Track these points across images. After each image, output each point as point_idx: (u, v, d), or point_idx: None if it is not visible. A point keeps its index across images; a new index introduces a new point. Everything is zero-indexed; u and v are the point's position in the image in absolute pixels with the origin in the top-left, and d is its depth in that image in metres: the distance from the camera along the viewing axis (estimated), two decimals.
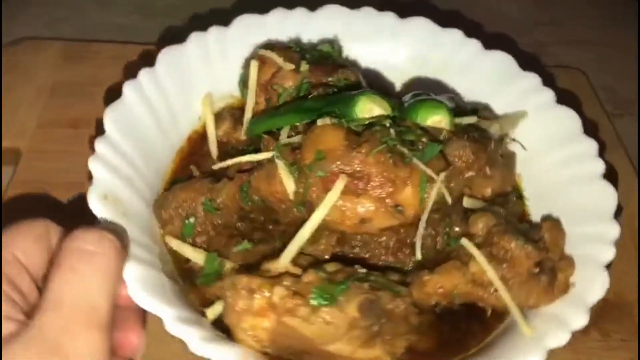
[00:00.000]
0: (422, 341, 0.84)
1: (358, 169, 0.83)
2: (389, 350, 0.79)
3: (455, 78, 1.16)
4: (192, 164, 1.04)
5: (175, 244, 0.91)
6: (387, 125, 0.88)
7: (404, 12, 1.19)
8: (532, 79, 1.10)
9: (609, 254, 0.88)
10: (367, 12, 1.18)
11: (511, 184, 0.99)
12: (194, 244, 0.92)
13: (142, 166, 0.95)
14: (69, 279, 0.66)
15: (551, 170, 1.02)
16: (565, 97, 1.30)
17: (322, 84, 1.00)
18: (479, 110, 1.03)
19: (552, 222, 0.91)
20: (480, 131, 0.96)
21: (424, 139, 0.88)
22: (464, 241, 0.85)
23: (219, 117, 1.08)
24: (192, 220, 0.92)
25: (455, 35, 1.16)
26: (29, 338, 0.63)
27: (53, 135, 1.19)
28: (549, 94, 1.07)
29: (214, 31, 1.11)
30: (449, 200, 0.88)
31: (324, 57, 1.07)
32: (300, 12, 1.17)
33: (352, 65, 1.13)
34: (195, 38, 1.09)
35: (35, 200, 1.08)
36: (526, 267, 0.84)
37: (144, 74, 1.01)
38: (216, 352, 0.73)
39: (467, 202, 0.91)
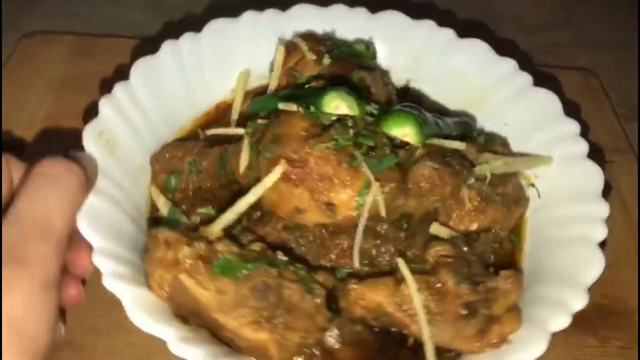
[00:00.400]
0: (341, 350, 0.80)
1: (303, 159, 0.84)
2: (277, 339, 0.77)
3: (432, 68, 1.16)
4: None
5: (154, 192, 0.96)
6: (349, 124, 0.87)
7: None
8: (508, 64, 1.09)
9: (601, 232, 0.88)
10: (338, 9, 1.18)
11: (505, 227, 0.95)
12: (172, 198, 0.95)
13: (155, 119, 1.01)
14: (31, 199, 0.73)
15: (534, 152, 1.02)
16: (575, 98, 1.32)
17: (337, 78, 1.01)
18: (487, 141, 1.01)
19: (512, 273, 0.84)
20: (463, 160, 0.93)
21: (386, 149, 0.87)
22: (399, 261, 0.82)
23: (248, 93, 1.12)
24: (175, 176, 0.96)
25: (427, 25, 1.15)
26: None
27: (60, 128, 1.21)
28: (526, 78, 1.07)
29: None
30: (383, 212, 0.85)
31: (353, 55, 1.08)
32: (271, 13, 1.17)
33: (381, 69, 1.13)
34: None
35: None
36: (454, 306, 0.80)
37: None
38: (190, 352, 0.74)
39: (433, 228, 0.88)
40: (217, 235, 0.81)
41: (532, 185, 1.01)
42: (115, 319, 0.77)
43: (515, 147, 1.06)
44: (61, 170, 0.76)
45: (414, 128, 0.89)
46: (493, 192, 0.93)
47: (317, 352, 0.80)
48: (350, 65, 1.03)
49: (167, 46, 1.07)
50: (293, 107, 0.89)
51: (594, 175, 0.94)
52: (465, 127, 1.03)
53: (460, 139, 0.95)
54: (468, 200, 0.90)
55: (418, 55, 1.16)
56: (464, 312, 0.79)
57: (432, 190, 0.88)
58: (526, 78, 1.07)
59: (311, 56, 1.05)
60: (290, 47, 1.08)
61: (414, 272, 0.82)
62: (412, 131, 0.89)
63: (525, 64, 1.11)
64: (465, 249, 0.86)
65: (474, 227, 0.91)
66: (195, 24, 1.14)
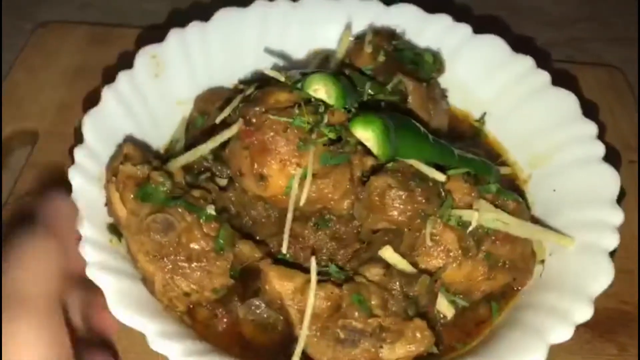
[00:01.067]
0: (247, 325, 0.84)
1: (258, 125, 0.84)
2: (165, 278, 0.80)
3: (447, 64, 1.12)
4: None
5: None
6: (320, 110, 0.85)
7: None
8: (526, 62, 1.06)
9: (613, 240, 0.84)
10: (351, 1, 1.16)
11: (481, 290, 0.89)
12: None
13: (154, 106, 1.04)
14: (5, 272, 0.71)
15: (550, 153, 0.99)
16: (600, 95, 1.28)
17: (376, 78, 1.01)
18: (499, 192, 0.90)
19: (424, 328, 0.78)
20: (436, 194, 0.86)
21: (349, 148, 0.85)
22: (312, 261, 0.80)
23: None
24: (202, 117, 1.05)
25: (444, 20, 1.12)
26: None
27: (72, 117, 1.19)
28: (544, 76, 1.04)
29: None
30: (300, 202, 0.83)
31: (413, 62, 1.04)
32: (282, 3, 1.15)
33: (438, 85, 1.09)
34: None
35: (48, 180, 1.09)
36: (336, 325, 0.77)
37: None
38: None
39: (382, 251, 0.83)
40: (175, 170, 0.87)
41: (542, 261, 0.92)
42: None
43: (530, 148, 1.02)
44: (22, 243, 0.74)
45: (377, 136, 0.83)
46: (476, 245, 0.85)
47: (220, 315, 0.86)
48: (402, 69, 1.01)
49: (174, 34, 1.06)
50: (281, 77, 0.88)
51: (610, 180, 0.90)
52: (479, 167, 0.92)
53: (469, 176, 0.89)
54: (429, 237, 0.83)
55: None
56: (342, 335, 0.76)
57: (383, 208, 0.83)
58: (543, 77, 1.04)
59: (368, 48, 1.04)
60: (356, 37, 1.10)
61: (331, 280, 0.80)
62: (374, 138, 0.83)
63: (547, 60, 1.08)
64: (397, 283, 0.80)
65: (432, 265, 0.84)
66: (210, 14, 1.12)
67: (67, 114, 1.20)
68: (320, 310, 0.78)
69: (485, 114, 1.10)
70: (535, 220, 0.94)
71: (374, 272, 0.81)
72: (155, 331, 0.74)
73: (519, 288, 0.90)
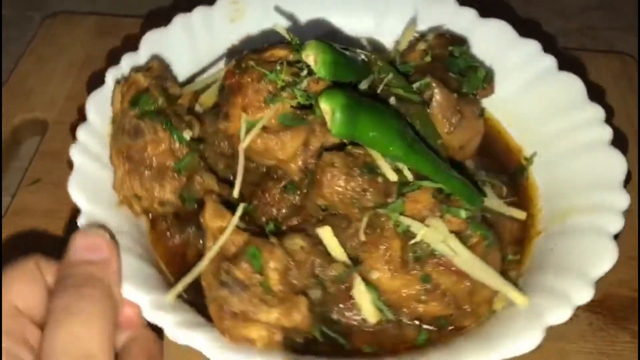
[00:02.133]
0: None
1: (243, 70, 0.88)
2: (125, 177, 0.89)
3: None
4: None
5: None
6: (302, 74, 0.86)
7: None
8: (532, 46, 1.04)
9: (618, 224, 0.83)
10: None
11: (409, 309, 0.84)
12: None
13: None
14: (58, 335, 0.66)
15: (556, 137, 0.97)
16: (612, 83, 1.26)
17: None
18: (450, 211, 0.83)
19: (302, 302, 0.79)
20: (378, 187, 0.83)
21: (311, 116, 0.86)
22: (241, 206, 0.82)
23: None
24: None
25: (449, 4, 1.11)
26: None
27: (81, 107, 1.19)
28: (550, 61, 1.02)
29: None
30: (241, 150, 0.86)
31: (461, 72, 0.98)
32: None
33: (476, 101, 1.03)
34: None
35: (57, 171, 1.09)
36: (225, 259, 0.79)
37: None
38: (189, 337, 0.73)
39: (319, 229, 0.83)
40: (185, 93, 0.98)
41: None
42: None
43: (537, 130, 1.01)
44: (80, 297, 0.70)
45: (335, 112, 0.80)
46: (416, 262, 0.81)
47: (173, 232, 0.92)
48: (444, 75, 0.95)
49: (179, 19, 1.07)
50: (287, 36, 0.92)
51: (616, 164, 0.89)
52: (461, 190, 0.84)
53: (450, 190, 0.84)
54: (363, 233, 0.81)
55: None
56: (223, 278, 0.77)
57: (321, 184, 0.83)
58: (550, 61, 1.02)
59: (421, 46, 1.01)
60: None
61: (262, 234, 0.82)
62: (331, 113, 0.81)
63: (554, 45, 1.06)
64: (312, 261, 0.80)
65: (368, 270, 0.82)
66: None
67: (75, 104, 1.20)
68: (226, 252, 0.79)
69: (535, 153, 1.01)
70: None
71: (295, 242, 0.81)
72: (150, 302, 0.76)
73: (454, 328, 0.83)
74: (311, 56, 0.86)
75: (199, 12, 1.08)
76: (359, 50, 0.96)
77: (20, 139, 1.21)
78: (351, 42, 1.13)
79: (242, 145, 0.86)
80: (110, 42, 1.31)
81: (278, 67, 0.86)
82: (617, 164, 0.89)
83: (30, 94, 1.23)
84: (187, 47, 1.08)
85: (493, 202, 0.89)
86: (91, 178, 0.88)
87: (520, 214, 0.92)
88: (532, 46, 1.04)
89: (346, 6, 1.16)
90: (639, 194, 1.09)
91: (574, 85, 0.99)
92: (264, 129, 0.86)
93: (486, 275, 0.80)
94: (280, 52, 0.90)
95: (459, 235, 0.80)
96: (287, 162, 0.88)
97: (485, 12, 1.10)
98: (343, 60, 0.88)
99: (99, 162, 0.91)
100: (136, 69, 0.98)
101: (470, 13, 1.09)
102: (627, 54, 1.36)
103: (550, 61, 1.02)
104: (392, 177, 0.82)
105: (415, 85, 0.92)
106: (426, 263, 0.80)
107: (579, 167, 0.93)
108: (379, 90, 0.90)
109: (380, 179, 0.83)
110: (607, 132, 0.92)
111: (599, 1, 1.60)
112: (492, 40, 1.07)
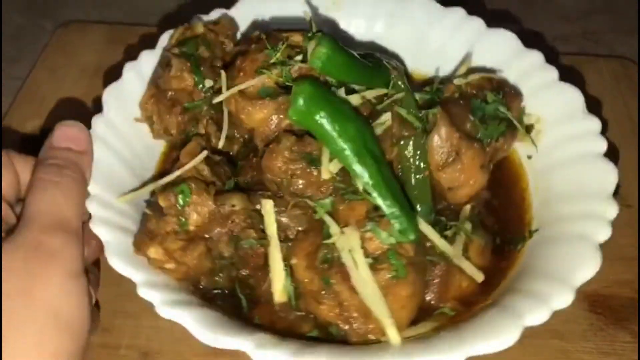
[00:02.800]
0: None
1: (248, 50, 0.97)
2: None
3: (457, 56, 1.14)
4: None
5: None
6: (293, 61, 0.92)
7: None
8: (535, 57, 1.07)
9: (605, 233, 0.85)
10: None
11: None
12: None
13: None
14: (42, 200, 0.79)
15: (552, 147, 0.99)
16: (613, 87, 1.28)
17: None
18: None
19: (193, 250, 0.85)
20: (308, 176, 0.87)
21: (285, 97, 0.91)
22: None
23: None
24: None
25: (457, 13, 1.13)
26: (13, 242, 0.75)
27: (91, 115, 1.22)
28: (552, 72, 1.05)
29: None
30: (216, 99, 0.95)
31: (482, 118, 0.96)
32: None
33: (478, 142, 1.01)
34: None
35: None
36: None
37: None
38: (179, 316, 0.77)
39: (264, 202, 0.87)
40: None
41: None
42: (142, 302, 0.79)
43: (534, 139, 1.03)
44: (61, 175, 0.83)
45: (299, 98, 0.85)
46: (324, 261, 0.82)
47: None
48: (462, 115, 0.94)
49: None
50: (308, 20, 0.99)
51: (608, 175, 0.91)
52: (393, 211, 0.83)
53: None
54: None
55: (444, 44, 1.15)
56: (152, 199, 0.90)
57: (264, 157, 0.90)
58: (552, 73, 1.05)
59: (458, 81, 0.99)
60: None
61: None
62: (295, 97, 0.85)
63: (556, 53, 1.08)
64: (237, 221, 0.86)
65: (291, 255, 0.86)
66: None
67: (86, 112, 1.23)
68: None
69: (537, 230, 0.96)
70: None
71: (231, 199, 0.87)
72: (142, 280, 0.80)
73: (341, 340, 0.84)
74: (312, 46, 0.90)
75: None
76: (385, 61, 0.98)
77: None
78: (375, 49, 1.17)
79: (219, 98, 0.95)
80: (120, 50, 1.35)
81: (280, 46, 0.94)
82: (608, 175, 0.91)
83: (43, 101, 1.26)
84: None
85: (452, 251, 0.87)
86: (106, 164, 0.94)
87: (478, 275, 0.89)
88: (535, 57, 1.07)
89: (354, 10, 1.19)
90: (639, 193, 1.11)
91: (573, 97, 1.01)
92: (242, 94, 0.93)
93: (372, 301, 0.79)
94: (296, 37, 0.96)
95: (374, 256, 0.81)
96: (254, 129, 0.94)
97: (491, 17, 1.13)
98: (343, 61, 0.91)
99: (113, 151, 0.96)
100: (208, 21, 1.10)
101: (477, 22, 1.11)
102: (627, 58, 1.38)
103: (552, 73, 1.04)
104: (324, 174, 0.86)
105: (424, 112, 0.92)
106: (332, 267, 0.82)
107: (573, 176, 0.94)
108: (383, 105, 0.92)
109: (315, 173, 0.87)
110: (602, 145, 0.94)
111: (602, 5, 1.61)
112: (497, 50, 1.10)
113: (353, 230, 0.81)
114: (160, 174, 0.93)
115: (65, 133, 0.88)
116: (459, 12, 1.13)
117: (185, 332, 0.76)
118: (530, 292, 0.81)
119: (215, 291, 0.89)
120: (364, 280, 0.79)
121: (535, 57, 1.06)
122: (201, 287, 0.88)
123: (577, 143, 0.95)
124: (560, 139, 0.98)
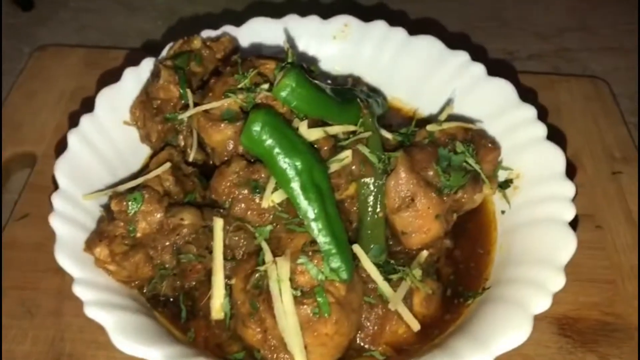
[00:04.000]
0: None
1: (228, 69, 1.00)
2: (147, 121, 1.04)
3: (387, 67, 1.18)
4: None
5: None
6: (262, 87, 0.94)
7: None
8: (461, 56, 1.11)
9: (570, 212, 0.89)
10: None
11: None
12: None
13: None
14: None
15: (523, 206, 0.99)
16: (585, 107, 1.31)
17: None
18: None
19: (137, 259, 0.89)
20: (250, 204, 0.90)
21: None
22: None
23: None
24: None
25: (460, 58, 1.13)
26: None
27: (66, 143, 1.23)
28: (479, 68, 1.09)
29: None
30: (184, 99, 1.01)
31: (446, 169, 0.95)
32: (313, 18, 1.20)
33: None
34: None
35: (45, 205, 1.11)
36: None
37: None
38: None
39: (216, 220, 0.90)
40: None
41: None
42: None
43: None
44: None
45: (252, 125, 0.87)
46: (255, 287, 0.84)
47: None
48: (427, 159, 0.94)
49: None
50: (290, 53, 1.00)
51: (556, 157, 0.96)
52: (329, 249, 0.84)
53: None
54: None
55: (441, 87, 1.15)
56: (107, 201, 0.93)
57: (214, 178, 0.93)
58: (479, 68, 1.09)
59: (431, 127, 0.99)
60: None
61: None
62: (250, 122, 0.88)
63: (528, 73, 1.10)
64: (180, 243, 0.89)
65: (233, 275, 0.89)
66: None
67: (63, 136, 1.23)
68: None
69: (489, 288, 0.95)
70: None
71: (182, 213, 0.89)
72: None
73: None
74: (279, 77, 0.92)
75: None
76: (363, 98, 1.00)
77: (10, 172, 1.24)
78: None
79: (184, 115, 0.99)
80: (97, 74, 1.35)
81: (249, 73, 0.96)
82: (557, 157, 0.96)
83: (19, 127, 1.26)
84: None
85: (393, 296, 0.87)
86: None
87: (414, 324, 0.88)
88: (461, 57, 1.11)
89: (360, 40, 1.21)
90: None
91: (504, 88, 1.06)
92: (207, 113, 0.96)
93: (288, 333, 0.80)
94: (271, 65, 0.98)
95: (303, 289, 0.81)
96: (214, 148, 0.96)
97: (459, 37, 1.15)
98: (308, 95, 0.92)
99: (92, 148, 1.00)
100: (209, 37, 1.14)
101: (400, 32, 1.15)
102: (599, 77, 1.40)
103: (479, 68, 1.09)
104: (264, 203, 0.88)
105: (386, 154, 0.93)
106: (261, 293, 0.83)
107: (524, 163, 0.99)
108: (347, 142, 0.93)
109: (258, 200, 0.89)
110: (542, 129, 1.00)
111: (577, 23, 1.63)
112: (423, 55, 1.15)
113: (285, 261, 0.82)
114: (134, 178, 0.96)
115: None
116: (462, 57, 1.13)
117: None
118: (524, 281, 0.85)
119: (162, 298, 0.92)
120: (285, 311, 0.80)
121: (528, 112, 1.04)
122: (145, 292, 0.91)
123: (547, 206, 0.95)
124: (533, 199, 0.98)
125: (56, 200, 0.89)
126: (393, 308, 0.86)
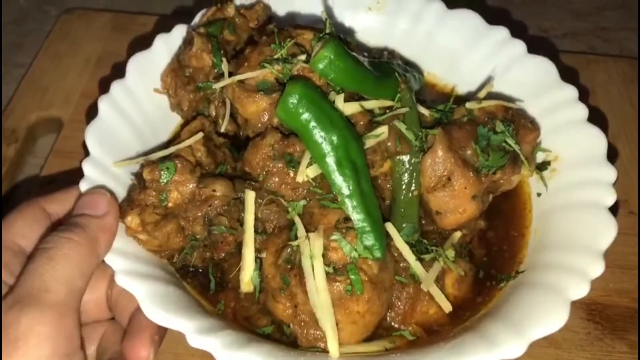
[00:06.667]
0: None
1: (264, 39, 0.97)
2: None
3: (423, 41, 1.15)
4: None
5: None
6: (297, 59, 0.91)
7: None
8: (501, 32, 1.07)
9: (610, 197, 0.87)
10: None
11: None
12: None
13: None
14: (26, 277, 0.73)
15: (561, 190, 0.95)
16: (621, 87, 1.28)
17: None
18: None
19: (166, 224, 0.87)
20: (283, 176, 0.88)
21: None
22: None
23: None
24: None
25: (500, 34, 1.09)
26: None
27: (95, 108, 1.22)
28: (520, 45, 1.05)
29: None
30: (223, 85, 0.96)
31: (485, 148, 0.91)
32: None
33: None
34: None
35: (70, 172, 1.12)
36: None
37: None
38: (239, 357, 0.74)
39: (248, 192, 0.88)
40: None
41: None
42: None
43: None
44: (55, 242, 0.76)
45: (290, 95, 0.85)
46: (289, 265, 0.82)
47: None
48: (463, 139, 0.90)
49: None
50: (327, 24, 0.96)
51: (597, 139, 0.93)
52: (363, 226, 0.83)
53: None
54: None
55: (479, 64, 1.11)
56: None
57: (248, 149, 0.91)
58: (520, 45, 1.05)
59: (471, 105, 0.94)
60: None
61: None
62: (288, 93, 0.86)
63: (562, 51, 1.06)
64: (212, 214, 0.88)
65: (263, 249, 0.88)
66: None
67: (89, 102, 1.22)
68: None
69: (523, 271, 0.92)
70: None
71: (214, 186, 0.87)
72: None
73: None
74: (316, 48, 0.90)
75: None
76: (401, 72, 0.97)
77: (36, 136, 1.24)
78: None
79: (218, 85, 0.96)
80: (124, 39, 1.34)
81: (286, 43, 0.93)
82: (598, 140, 0.93)
83: (46, 91, 1.26)
84: None
85: (425, 276, 0.85)
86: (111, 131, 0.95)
87: (446, 305, 0.86)
88: (502, 32, 1.07)
89: (398, 11, 1.17)
90: (639, 201, 1.11)
91: (545, 67, 1.02)
92: (242, 84, 0.93)
93: (320, 310, 0.79)
94: (309, 36, 0.95)
95: (335, 266, 0.80)
96: (247, 119, 0.94)
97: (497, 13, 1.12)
98: (345, 67, 0.89)
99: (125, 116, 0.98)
100: (242, 5, 1.11)
101: (519, 46, 1.07)
102: (636, 58, 1.36)
103: (520, 46, 1.06)
104: (299, 177, 0.86)
105: (424, 131, 0.90)
106: (292, 268, 0.82)
107: (563, 146, 0.96)
108: (383, 117, 0.91)
109: (292, 174, 0.87)
110: (584, 110, 0.96)
111: (616, 1, 1.58)
112: (462, 30, 1.11)
113: (318, 237, 0.80)
114: (164, 147, 0.94)
115: (83, 201, 0.83)
116: (502, 33, 1.09)
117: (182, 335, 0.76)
118: (563, 266, 0.82)
119: (191, 269, 0.91)
120: (317, 288, 0.79)
121: (569, 92, 1.00)
122: (175, 262, 0.90)
123: (586, 191, 0.91)
124: (571, 183, 0.94)
125: (87, 166, 0.88)
126: (425, 288, 0.85)
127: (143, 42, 1.08)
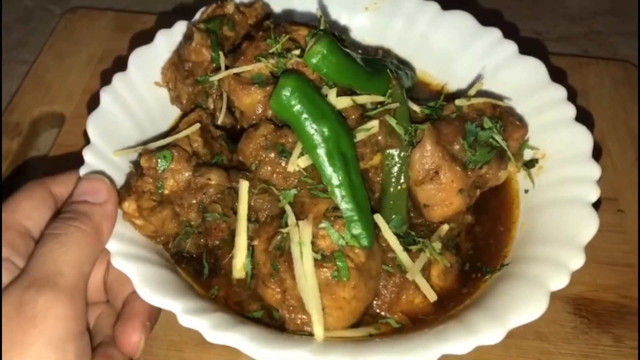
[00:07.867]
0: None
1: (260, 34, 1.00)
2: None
3: (418, 41, 1.17)
4: None
5: None
6: (291, 55, 0.94)
7: None
8: (494, 33, 1.10)
9: (594, 193, 0.90)
10: None
11: None
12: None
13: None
14: (39, 259, 0.76)
15: (547, 187, 0.98)
16: (613, 90, 1.30)
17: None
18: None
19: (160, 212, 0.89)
20: (276, 166, 0.91)
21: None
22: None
23: None
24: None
25: (493, 35, 1.12)
26: (5, 299, 0.73)
27: (97, 103, 1.24)
28: (511, 46, 1.08)
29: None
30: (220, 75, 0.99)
31: (472, 143, 0.94)
32: None
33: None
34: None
35: (72, 166, 1.14)
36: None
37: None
38: (226, 338, 0.77)
39: (242, 182, 0.91)
40: None
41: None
42: None
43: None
44: (63, 227, 0.79)
45: (282, 88, 0.88)
46: (279, 252, 0.85)
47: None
48: (450, 134, 0.93)
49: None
50: (322, 21, 0.99)
51: (583, 138, 0.96)
52: (351, 215, 0.85)
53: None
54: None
55: (472, 64, 1.13)
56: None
57: (242, 140, 0.94)
58: (511, 46, 1.08)
59: (460, 102, 0.97)
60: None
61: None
62: (281, 86, 0.88)
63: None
64: (206, 202, 0.90)
65: (255, 237, 0.91)
66: None
67: (92, 99, 1.25)
68: None
69: (508, 264, 0.94)
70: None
71: (209, 175, 0.90)
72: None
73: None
74: (310, 43, 0.93)
75: None
76: (392, 69, 0.99)
77: (39, 131, 1.27)
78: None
79: (215, 77, 0.99)
80: (126, 38, 1.36)
81: (281, 38, 0.97)
82: (584, 138, 0.96)
83: (49, 87, 1.28)
84: None
85: (411, 266, 0.87)
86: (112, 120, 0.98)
87: (431, 295, 0.88)
88: (494, 34, 1.10)
89: (394, 12, 1.20)
90: (639, 201, 1.13)
91: (535, 67, 1.05)
92: (238, 77, 0.96)
93: (307, 294, 0.81)
94: (303, 32, 0.99)
95: (323, 253, 0.82)
96: (243, 111, 0.97)
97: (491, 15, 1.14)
98: (338, 62, 0.92)
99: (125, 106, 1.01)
100: (242, 2, 1.15)
101: (511, 47, 1.09)
102: (629, 61, 1.38)
103: (511, 47, 1.08)
104: (290, 167, 0.89)
105: (413, 126, 0.93)
106: (282, 255, 0.84)
107: (550, 143, 0.99)
108: (374, 112, 0.93)
109: (283, 164, 0.90)
110: (571, 110, 0.99)
111: (608, 6, 1.61)
112: (455, 32, 1.14)
113: (307, 225, 0.83)
114: (163, 137, 0.97)
115: (83, 187, 0.86)
116: (495, 34, 1.11)
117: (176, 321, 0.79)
118: (544, 258, 0.86)
119: (186, 255, 0.93)
120: (305, 273, 0.81)
121: (558, 92, 1.02)
122: (170, 248, 0.93)
123: (571, 187, 0.94)
124: (557, 179, 0.97)
125: (87, 154, 0.91)
126: (411, 278, 0.87)
127: (144, 39, 1.11)
